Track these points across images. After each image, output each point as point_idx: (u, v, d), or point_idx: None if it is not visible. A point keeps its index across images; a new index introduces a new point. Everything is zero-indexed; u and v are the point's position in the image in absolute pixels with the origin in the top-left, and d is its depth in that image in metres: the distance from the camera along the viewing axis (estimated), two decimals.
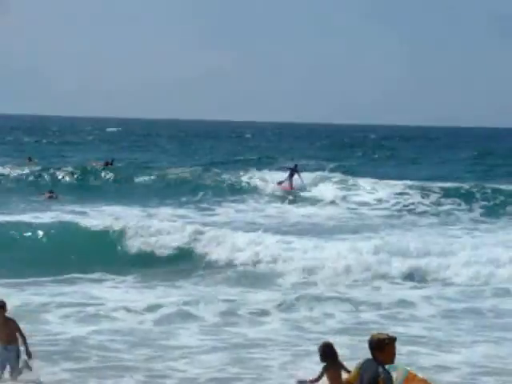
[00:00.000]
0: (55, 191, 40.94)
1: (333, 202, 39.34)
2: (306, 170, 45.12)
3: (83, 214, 34.03)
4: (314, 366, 15.31)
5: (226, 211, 37.69)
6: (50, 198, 39.87)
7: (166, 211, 36.11)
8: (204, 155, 74.90)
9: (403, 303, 20.46)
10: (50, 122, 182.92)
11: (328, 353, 11.16)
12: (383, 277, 23.26)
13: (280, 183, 40.80)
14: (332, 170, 49.98)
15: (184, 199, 40.94)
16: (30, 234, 26.99)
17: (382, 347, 8.92)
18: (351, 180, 43.47)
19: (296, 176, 41.07)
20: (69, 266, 23.98)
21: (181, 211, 36.84)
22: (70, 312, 19.14)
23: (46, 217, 31.37)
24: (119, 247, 26.27)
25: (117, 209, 36.14)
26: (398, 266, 23.42)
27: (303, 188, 40.74)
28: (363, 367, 9.06)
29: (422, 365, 15.38)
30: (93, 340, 17.04)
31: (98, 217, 32.49)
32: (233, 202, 40.42)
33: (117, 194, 42.38)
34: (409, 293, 21.77)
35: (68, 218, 31.03)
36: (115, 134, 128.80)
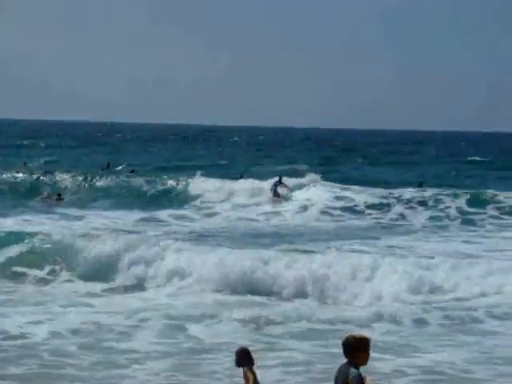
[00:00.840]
0: (59, 194, 40.82)
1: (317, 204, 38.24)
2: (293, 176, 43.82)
3: (81, 218, 33.62)
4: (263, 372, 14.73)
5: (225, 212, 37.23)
6: (58, 200, 39.93)
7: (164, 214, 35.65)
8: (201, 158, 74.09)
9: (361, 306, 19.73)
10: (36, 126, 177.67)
11: (244, 358, 10.39)
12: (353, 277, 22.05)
13: (276, 194, 39.70)
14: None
15: (180, 202, 40.21)
16: None
17: (365, 347, 8.48)
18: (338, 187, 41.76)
19: (281, 186, 40.21)
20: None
21: (181, 212, 36.57)
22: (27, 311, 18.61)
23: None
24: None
25: (118, 213, 35.63)
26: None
27: (288, 197, 39.82)
28: (339, 371, 8.54)
29: (377, 370, 14.68)
30: (45, 341, 16.42)
31: (96, 221, 32.35)
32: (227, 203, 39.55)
33: (113, 198, 41.58)
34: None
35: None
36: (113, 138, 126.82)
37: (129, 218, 34.47)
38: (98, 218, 33.93)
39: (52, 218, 33.47)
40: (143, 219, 34.33)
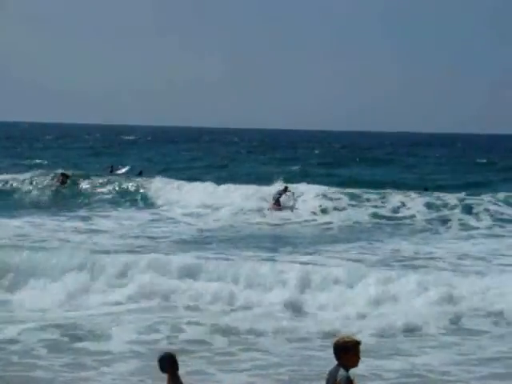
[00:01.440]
0: (63, 174, 41.64)
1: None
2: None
3: (87, 218, 32.98)
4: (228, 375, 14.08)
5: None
6: (63, 182, 40.82)
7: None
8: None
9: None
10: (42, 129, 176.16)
11: (166, 364, 9.77)
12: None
13: (277, 202, 38.58)
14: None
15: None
16: None
17: (355, 349, 8.54)
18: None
19: (284, 196, 39.04)
20: None
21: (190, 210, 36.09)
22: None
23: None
24: None
25: (125, 214, 35.03)
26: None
27: (292, 208, 38.76)
28: (330, 373, 8.61)
29: (353, 372, 13.93)
30: (16, 341, 15.83)
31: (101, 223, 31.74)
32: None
33: (118, 199, 40.77)
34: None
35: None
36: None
37: (137, 218, 33.89)
38: (104, 220, 33.13)
39: (58, 219, 32.56)
40: (152, 221, 33.75)
